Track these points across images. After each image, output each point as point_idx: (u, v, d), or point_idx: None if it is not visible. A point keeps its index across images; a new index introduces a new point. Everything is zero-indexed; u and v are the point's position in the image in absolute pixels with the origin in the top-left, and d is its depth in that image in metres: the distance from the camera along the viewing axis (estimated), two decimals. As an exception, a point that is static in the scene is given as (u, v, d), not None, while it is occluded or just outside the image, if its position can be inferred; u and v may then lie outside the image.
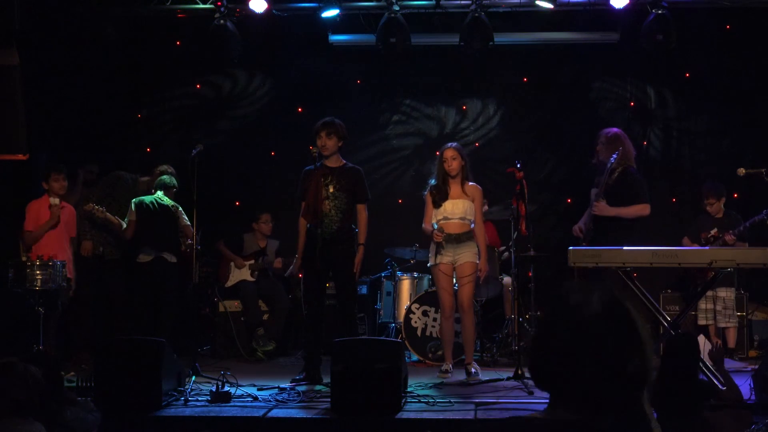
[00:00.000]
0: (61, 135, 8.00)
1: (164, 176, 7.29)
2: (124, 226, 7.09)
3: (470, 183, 6.34)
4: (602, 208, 6.39)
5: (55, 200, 6.56)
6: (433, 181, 6.39)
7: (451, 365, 6.33)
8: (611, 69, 8.68)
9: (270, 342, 7.64)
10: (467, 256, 6.22)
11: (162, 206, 7.10)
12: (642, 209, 6.50)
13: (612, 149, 6.48)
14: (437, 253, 6.21)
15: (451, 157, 6.25)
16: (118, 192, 7.42)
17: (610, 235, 6.38)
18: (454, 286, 6.36)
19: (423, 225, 6.42)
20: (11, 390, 3.33)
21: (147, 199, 7.14)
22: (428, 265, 6.42)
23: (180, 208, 7.14)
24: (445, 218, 6.24)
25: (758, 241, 6.95)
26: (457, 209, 6.23)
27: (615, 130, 6.67)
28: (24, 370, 3.40)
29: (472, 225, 6.29)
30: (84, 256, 7.20)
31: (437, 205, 6.28)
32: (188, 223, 7.02)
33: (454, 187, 6.29)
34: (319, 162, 6.08)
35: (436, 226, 6.24)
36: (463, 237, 6.25)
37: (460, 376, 6.20)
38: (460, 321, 6.52)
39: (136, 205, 7.09)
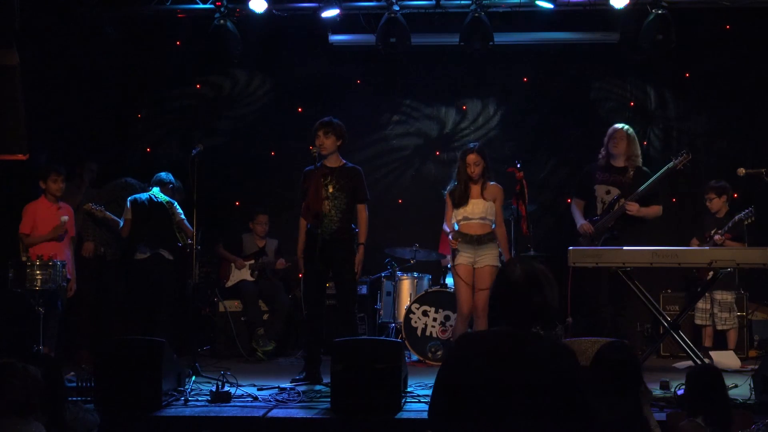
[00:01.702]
0: (61, 135, 8.00)
1: (161, 173, 7.31)
2: (121, 224, 7.10)
3: (491, 183, 6.28)
4: (638, 210, 6.41)
5: (65, 218, 6.58)
6: (454, 182, 6.33)
7: None
8: (611, 69, 8.68)
9: (270, 342, 7.64)
10: (488, 259, 6.15)
11: (157, 203, 7.09)
12: (659, 210, 6.57)
13: (635, 146, 6.55)
14: (457, 254, 6.17)
15: (474, 162, 6.17)
16: (125, 199, 7.42)
17: (628, 234, 6.41)
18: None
19: (444, 225, 6.38)
20: (10, 390, 3.34)
21: (142, 196, 7.14)
22: (448, 265, 6.40)
23: (175, 204, 7.13)
24: (466, 218, 6.19)
25: (758, 241, 6.95)
26: (477, 209, 6.17)
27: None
28: (23, 371, 3.41)
29: (494, 226, 6.26)
30: (85, 257, 7.21)
31: (457, 205, 6.24)
32: (183, 218, 7.04)
33: (475, 188, 6.23)
34: (319, 162, 6.08)
35: (457, 227, 6.22)
36: (484, 238, 6.18)
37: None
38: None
39: (131, 203, 7.09)
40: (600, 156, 6.73)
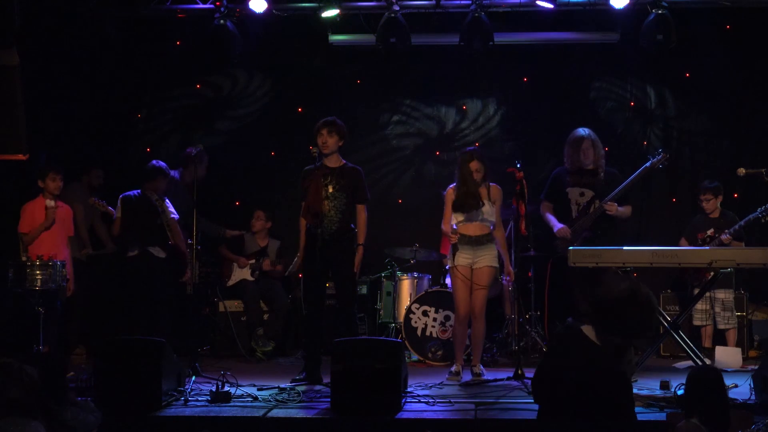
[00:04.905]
0: (61, 135, 8.00)
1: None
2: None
3: (491, 184, 6.26)
4: (616, 209, 6.51)
5: (51, 203, 6.56)
6: (455, 183, 6.27)
7: (461, 367, 6.26)
8: (611, 69, 8.67)
9: (269, 342, 7.63)
10: (486, 260, 6.14)
11: (145, 199, 6.97)
12: (630, 210, 6.66)
13: (600, 148, 6.69)
14: (455, 254, 6.15)
15: (476, 170, 6.15)
16: None
17: (606, 234, 6.55)
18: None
19: (442, 225, 6.35)
20: (6, 389, 3.34)
21: (133, 193, 7.04)
22: (446, 266, 6.39)
23: (167, 201, 7.02)
24: (468, 219, 6.19)
25: (758, 242, 6.95)
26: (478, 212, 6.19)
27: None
28: (19, 370, 3.41)
29: (492, 227, 6.25)
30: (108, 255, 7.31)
31: (464, 209, 6.18)
32: (174, 216, 6.92)
33: (482, 192, 6.20)
34: (318, 161, 6.09)
35: (455, 227, 6.20)
36: (483, 239, 6.16)
37: (466, 376, 6.20)
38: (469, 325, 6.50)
39: (121, 200, 6.96)
40: (566, 161, 6.82)
